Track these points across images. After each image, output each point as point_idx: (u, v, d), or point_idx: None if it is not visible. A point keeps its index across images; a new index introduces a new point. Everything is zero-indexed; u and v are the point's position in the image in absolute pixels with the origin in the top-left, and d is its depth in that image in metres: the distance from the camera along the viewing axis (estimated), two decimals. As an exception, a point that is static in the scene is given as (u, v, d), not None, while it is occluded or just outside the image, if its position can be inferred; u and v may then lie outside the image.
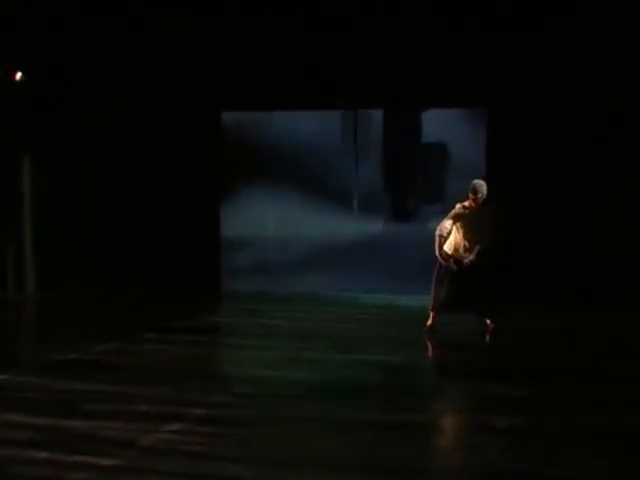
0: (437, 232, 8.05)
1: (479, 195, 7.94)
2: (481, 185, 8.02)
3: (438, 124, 11.19)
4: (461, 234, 7.98)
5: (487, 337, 8.03)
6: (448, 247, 8.00)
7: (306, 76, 10.86)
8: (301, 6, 10.66)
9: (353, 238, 11.56)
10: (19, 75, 11.03)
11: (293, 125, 11.74)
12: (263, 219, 11.84)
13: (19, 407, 5.27)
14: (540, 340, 8.24)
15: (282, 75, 10.98)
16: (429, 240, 8.02)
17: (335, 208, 11.57)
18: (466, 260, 7.91)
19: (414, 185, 11.36)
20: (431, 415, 5.38)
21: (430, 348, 7.83)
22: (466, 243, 7.96)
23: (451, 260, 7.96)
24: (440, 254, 7.98)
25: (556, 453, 4.38)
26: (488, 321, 8.09)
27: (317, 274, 11.63)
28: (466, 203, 8.01)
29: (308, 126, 11.68)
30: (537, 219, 10.50)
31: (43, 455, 4.27)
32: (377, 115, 11.42)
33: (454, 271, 7.95)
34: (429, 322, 8.15)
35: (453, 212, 8.06)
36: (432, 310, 8.15)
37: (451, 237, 8.00)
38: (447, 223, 8.04)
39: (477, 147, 10.90)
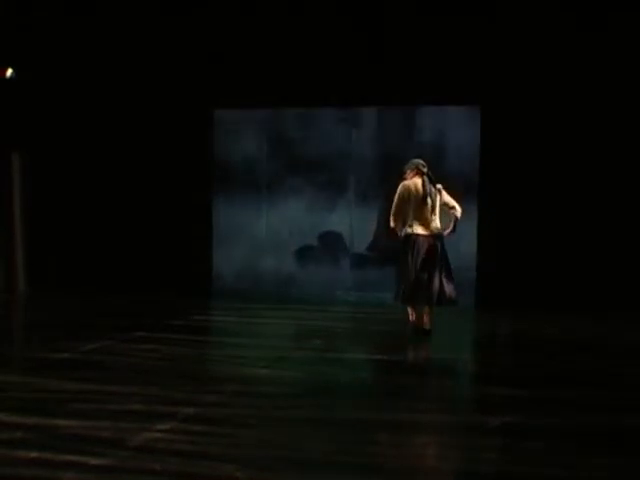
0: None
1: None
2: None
3: (432, 121, 11.16)
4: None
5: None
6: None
7: (299, 73, 10.83)
8: (295, 5, 10.65)
9: (348, 235, 11.51)
10: (9, 72, 10.96)
11: (287, 123, 11.69)
12: (255, 217, 11.79)
13: (8, 406, 5.21)
14: (539, 341, 8.22)
15: (277, 74, 10.96)
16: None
17: (329, 205, 11.52)
18: None
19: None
20: (427, 415, 5.33)
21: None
22: None
23: None
24: None
25: (556, 453, 4.35)
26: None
27: (311, 272, 11.59)
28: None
29: (302, 124, 11.64)
30: (533, 218, 10.46)
31: (33, 454, 4.20)
32: (371, 113, 11.38)
33: None
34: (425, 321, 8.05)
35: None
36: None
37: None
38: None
39: (472, 144, 10.88)
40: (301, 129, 11.62)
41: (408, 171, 8.07)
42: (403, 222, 7.93)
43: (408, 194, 7.92)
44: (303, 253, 11.65)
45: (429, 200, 7.85)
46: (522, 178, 10.45)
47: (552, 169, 10.40)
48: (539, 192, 10.43)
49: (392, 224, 7.98)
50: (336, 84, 10.84)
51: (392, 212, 7.97)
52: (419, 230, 7.84)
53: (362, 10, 10.58)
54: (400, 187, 7.99)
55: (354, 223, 11.44)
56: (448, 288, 7.82)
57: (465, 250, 10.88)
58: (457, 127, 11.03)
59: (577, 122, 10.28)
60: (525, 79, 10.37)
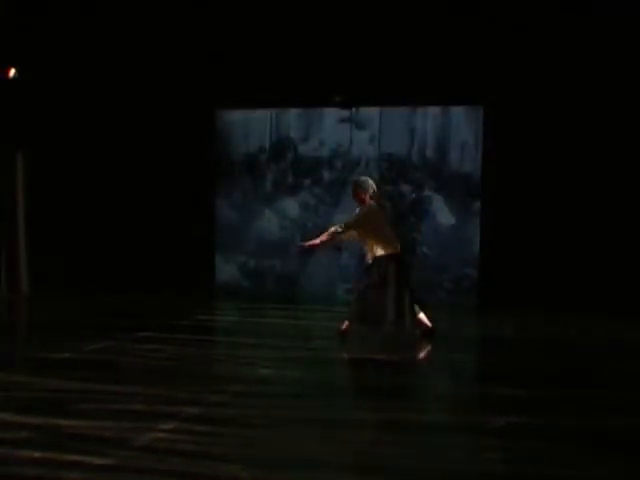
0: None
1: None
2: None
3: (435, 121, 11.17)
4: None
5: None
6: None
7: (301, 74, 10.85)
8: (296, 3, 10.67)
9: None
10: (13, 72, 11.00)
11: (289, 123, 11.71)
12: (257, 217, 11.81)
13: (12, 406, 5.24)
14: (540, 341, 8.23)
15: (278, 73, 10.97)
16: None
17: (334, 205, 11.54)
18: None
19: (413, 180, 11.32)
20: (429, 415, 5.36)
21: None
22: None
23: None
24: None
25: (556, 453, 4.37)
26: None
27: (315, 272, 11.60)
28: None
29: (304, 124, 11.66)
30: (535, 218, 10.46)
31: (37, 454, 4.24)
32: (374, 113, 11.38)
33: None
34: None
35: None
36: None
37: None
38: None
39: (474, 144, 10.90)
40: (303, 129, 11.64)
41: (372, 191, 7.89)
42: (372, 245, 7.76)
43: (377, 217, 7.85)
44: (305, 253, 11.65)
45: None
46: (524, 178, 10.45)
47: (554, 169, 10.40)
48: (541, 192, 10.43)
49: (341, 235, 7.81)
50: (338, 84, 10.86)
51: (350, 225, 7.76)
52: (389, 251, 7.78)
53: (364, 10, 10.59)
54: (368, 209, 7.83)
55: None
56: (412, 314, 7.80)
57: (467, 250, 10.92)
58: (460, 127, 11.04)
59: (580, 122, 10.28)
60: (528, 79, 10.37)
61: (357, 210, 7.97)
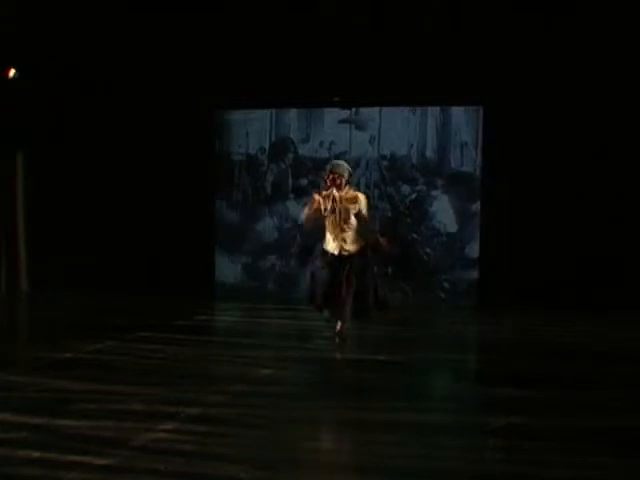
0: None
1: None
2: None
3: (435, 121, 11.16)
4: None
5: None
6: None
7: (302, 74, 10.84)
8: (295, 3, 10.67)
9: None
10: (12, 72, 11.00)
11: (288, 124, 11.71)
12: (257, 217, 11.81)
13: (12, 406, 5.24)
14: (541, 342, 8.23)
15: (278, 73, 10.96)
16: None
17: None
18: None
19: (413, 180, 11.32)
20: (430, 415, 5.36)
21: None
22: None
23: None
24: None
25: (556, 453, 4.37)
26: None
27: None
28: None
29: (303, 125, 11.66)
30: (535, 218, 10.46)
31: (36, 454, 4.24)
32: (374, 113, 11.38)
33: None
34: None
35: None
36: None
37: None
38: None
39: (474, 145, 10.90)
40: (303, 129, 11.64)
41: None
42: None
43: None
44: (305, 253, 11.64)
45: None
46: (524, 178, 10.44)
47: (554, 169, 10.40)
48: (541, 192, 10.43)
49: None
50: (338, 84, 10.85)
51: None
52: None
53: (363, 10, 10.59)
54: (366, 197, 7.97)
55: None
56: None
57: (467, 250, 10.92)
58: (460, 127, 11.03)
59: (579, 122, 10.27)
60: (527, 79, 10.37)
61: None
